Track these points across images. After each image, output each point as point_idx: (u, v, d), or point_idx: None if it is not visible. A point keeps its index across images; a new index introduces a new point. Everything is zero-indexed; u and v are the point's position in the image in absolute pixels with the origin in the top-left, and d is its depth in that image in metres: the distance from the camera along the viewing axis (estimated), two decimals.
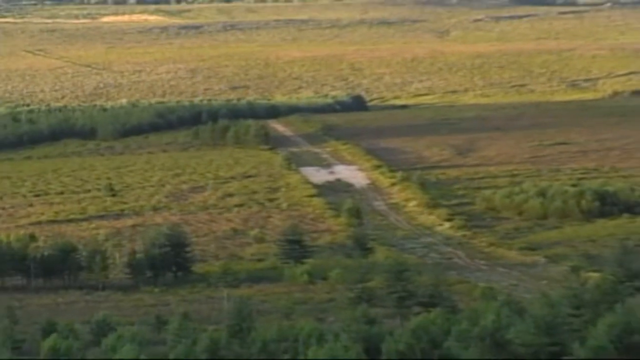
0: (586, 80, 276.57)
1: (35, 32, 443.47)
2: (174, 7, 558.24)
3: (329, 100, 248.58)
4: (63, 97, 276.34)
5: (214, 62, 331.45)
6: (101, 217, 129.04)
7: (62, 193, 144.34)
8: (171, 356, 55.69)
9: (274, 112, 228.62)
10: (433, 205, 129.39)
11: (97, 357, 55.70)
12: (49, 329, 69.73)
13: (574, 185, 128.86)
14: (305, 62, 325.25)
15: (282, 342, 61.07)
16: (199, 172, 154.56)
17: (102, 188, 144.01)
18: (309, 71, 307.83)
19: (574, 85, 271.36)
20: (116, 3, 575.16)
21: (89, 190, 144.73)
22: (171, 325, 71.43)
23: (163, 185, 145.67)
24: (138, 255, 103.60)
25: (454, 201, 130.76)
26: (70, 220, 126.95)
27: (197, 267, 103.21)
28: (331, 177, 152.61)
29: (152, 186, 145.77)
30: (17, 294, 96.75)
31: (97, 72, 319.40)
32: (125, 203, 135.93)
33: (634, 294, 74.91)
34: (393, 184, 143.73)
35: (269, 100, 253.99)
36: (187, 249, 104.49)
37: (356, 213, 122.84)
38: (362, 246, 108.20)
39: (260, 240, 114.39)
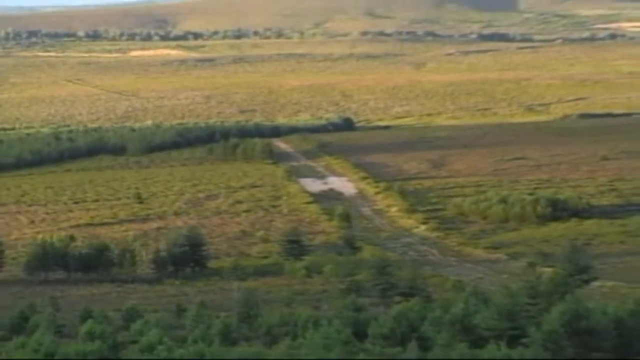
0: (540, 105, 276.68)
1: (74, 65, 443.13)
2: (191, 43, 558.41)
3: (323, 122, 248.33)
4: (98, 119, 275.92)
5: (225, 89, 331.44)
6: (130, 221, 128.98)
7: (97, 200, 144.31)
8: (190, 338, 55.87)
9: (277, 132, 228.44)
10: (411, 211, 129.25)
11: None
12: (85, 316, 69.89)
13: (530, 194, 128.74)
14: (303, 89, 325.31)
15: (284, 327, 61.24)
16: (213, 183, 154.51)
17: (131, 196, 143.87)
18: (306, 97, 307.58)
19: (530, 109, 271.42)
20: (143, 40, 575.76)
21: (119, 198, 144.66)
22: (190, 312, 71.66)
23: (183, 194, 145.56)
24: (162, 253, 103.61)
25: (429, 207, 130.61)
26: (104, 224, 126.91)
27: (212, 263, 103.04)
28: (325, 187, 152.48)
29: (173, 194, 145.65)
30: (59, 286, 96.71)
31: (126, 98, 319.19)
32: (150, 209, 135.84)
33: (582, 285, 75.27)
34: (377, 193, 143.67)
35: (272, 121, 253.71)
36: (203, 247, 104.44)
37: (346, 217, 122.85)
38: (351, 245, 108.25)
39: (265, 240, 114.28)
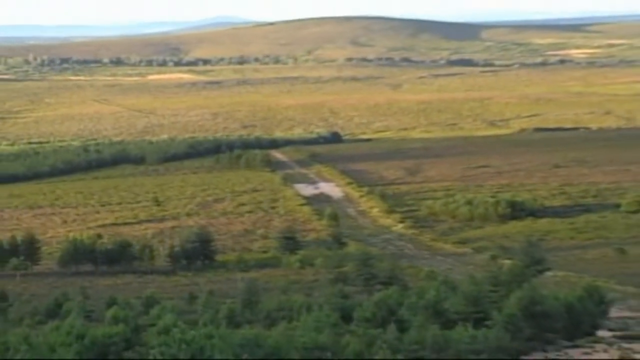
0: (501, 120, 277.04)
1: (100, 87, 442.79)
2: (201, 68, 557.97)
3: (314, 135, 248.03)
4: (121, 134, 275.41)
5: (230, 108, 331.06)
6: (149, 221, 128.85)
7: (120, 203, 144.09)
8: (200, 322, 55.76)
9: (274, 144, 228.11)
10: (390, 211, 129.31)
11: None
12: (111, 303, 69.75)
13: (492, 197, 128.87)
14: (296, 107, 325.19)
15: (281, 311, 61.16)
16: (219, 188, 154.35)
17: (150, 200, 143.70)
18: (299, 114, 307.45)
19: (492, 124, 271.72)
20: (159, 65, 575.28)
21: (139, 201, 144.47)
22: (200, 300, 71.62)
23: (194, 197, 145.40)
24: (176, 249, 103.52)
25: (405, 208, 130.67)
26: (126, 223, 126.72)
27: (219, 257, 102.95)
28: (316, 191, 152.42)
29: (186, 198, 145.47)
30: (88, 277, 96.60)
31: (145, 116, 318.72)
32: (166, 210, 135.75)
33: (537, 275, 75.35)
34: (361, 196, 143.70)
35: (270, 135, 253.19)
36: (212, 243, 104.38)
37: (334, 217, 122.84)
38: (339, 241, 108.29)
39: (264, 237, 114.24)
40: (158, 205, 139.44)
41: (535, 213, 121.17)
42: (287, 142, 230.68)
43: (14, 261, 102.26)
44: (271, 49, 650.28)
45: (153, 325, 54.80)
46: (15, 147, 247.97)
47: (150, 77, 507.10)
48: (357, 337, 47.45)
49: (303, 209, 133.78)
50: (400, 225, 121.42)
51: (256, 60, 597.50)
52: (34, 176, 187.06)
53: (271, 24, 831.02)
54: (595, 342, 53.47)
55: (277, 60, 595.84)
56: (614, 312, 61.24)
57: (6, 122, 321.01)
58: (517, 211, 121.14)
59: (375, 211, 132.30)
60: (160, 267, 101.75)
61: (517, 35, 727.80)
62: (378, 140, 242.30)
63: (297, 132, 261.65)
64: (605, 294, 61.32)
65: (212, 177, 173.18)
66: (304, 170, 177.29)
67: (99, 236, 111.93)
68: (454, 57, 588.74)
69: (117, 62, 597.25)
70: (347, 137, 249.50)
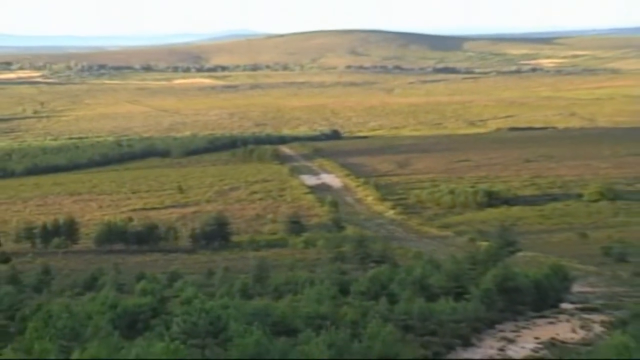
0: (480, 121, 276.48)
1: (132, 90, 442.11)
2: (219, 74, 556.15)
3: (317, 133, 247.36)
4: (149, 131, 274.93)
5: (244, 108, 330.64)
6: (173, 206, 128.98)
7: (148, 191, 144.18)
8: (217, 294, 55.92)
9: (283, 140, 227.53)
10: (383, 199, 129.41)
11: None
12: (140, 277, 69.82)
13: (471, 187, 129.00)
14: (302, 109, 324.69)
15: (287, 285, 61.26)
16: (235, 178, 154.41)
17: (174, 188, 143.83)
18: (304, 114, 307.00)
19: (472, 123, 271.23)
20: (183, 71, 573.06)
21: (165, 190, 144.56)
22: (217, 275, 71.78)
23: (212, 186, 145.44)
24: (196, 231, 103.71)
25: (396, 197, 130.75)
26: (153, 208, 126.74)
27: (234, 238, 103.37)
28: (318, 182, 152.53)
29: (205, 187, 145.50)
30: (120, 255, 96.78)
31: (170, 115, 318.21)
32: (188, 197, 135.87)
33: (509, 255, 75.45)
34: (357, 186, 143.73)
35: (279, 132, 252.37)
36: (227, 226, 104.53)
37: (334, 204, 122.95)
38: (338, 225, 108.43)
39: (273, 221, 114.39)
40: (181, 193, 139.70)
41: (509, 201, 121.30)
42: (294, 139, 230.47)
43: (56, 240, 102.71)
44: (280, 58, 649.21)
45: (176, 296, 55.05)
46: (58, 142, 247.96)
47: (175, 81, 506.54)
48: (353, 308, 47.57)
49: (307, 197, 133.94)
50: (392, 212, 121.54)
51: (267, 67, 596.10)
52: (74, 167, 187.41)
53: (280, 35, 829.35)
54: (559, 313, 53.63)
55: (285, 67, 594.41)
56: (575, 288, 61.39)
57: (51, 120, 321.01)
58: (493, 200, 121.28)
59: (369, 199, 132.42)
60: (182, 246, 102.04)
61: (494, 47, 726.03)
62: (373, 137, 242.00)
63: (303, 130, 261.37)
64: (568, 272, 61.48)
65: (228, 168, 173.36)
66: (308, 163, 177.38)
67: (130, 219, 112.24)
68: (439, 66, 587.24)
69: (147, 69, 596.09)
70: (345, 135, 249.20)
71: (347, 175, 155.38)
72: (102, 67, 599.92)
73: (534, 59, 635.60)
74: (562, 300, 56.80)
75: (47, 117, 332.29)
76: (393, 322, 43.21)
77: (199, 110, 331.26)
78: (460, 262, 62.54)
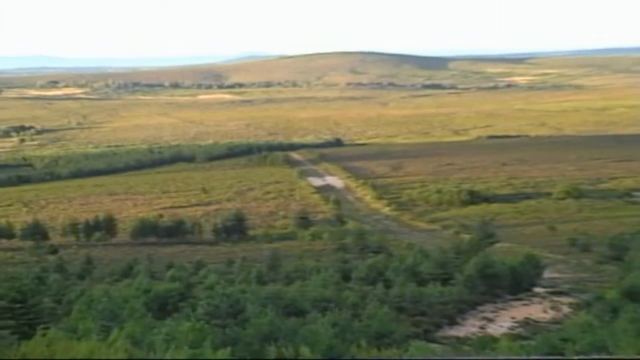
0: (462, 130, 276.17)
1: (162, 104, 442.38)
2: (237, 90, 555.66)
3: (322, 141, 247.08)
4: (177, 139, 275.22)
5: (259, 120, 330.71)
6: (198, 205, 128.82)
7: (176, 191, 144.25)
8: (236, 281, 55.96)
9: (292, 147, 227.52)
10: (379, 198, 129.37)
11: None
12: (169, 266, 69.95)
13: (456, 187, 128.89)
14: (309, 120, 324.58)
15: (297, 272, 61.35)
16: (251, 180, 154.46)
17: (199, 189, 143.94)
18: (311, 125, 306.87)
19: (455, 132, 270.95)
20: (206, 88, 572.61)
21: (191, 190, 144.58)
22: (236, 264, 71.83)
23: (231, 187, 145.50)
24: (218, 225, 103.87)
25: (391, 195, 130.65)
26: (181, 207, 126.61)
27: (250, 232, 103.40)
28: (323, 183, 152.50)
29: (226, 187, 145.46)
30: (152, 246, 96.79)
31: (195, 126, 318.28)
32: (211, 197, 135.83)
33: (488, 246, 75.37)
34: (357, 186, 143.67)
35: (289, 140, 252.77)
36: (245, 222, 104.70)
37: (337, 202, 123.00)
38: (340, 220, 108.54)
39: (284, 217, 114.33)
40: (205, 193, 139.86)
41: (488, 199, 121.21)
42: (302, 146, 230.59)
43: (97, 234, 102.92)
44: (290, 76, 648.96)
45: (201, 282, 55.03)
46: (98, 149, 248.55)
47: (199, 97, 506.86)
48: (354, 292, 47.58)
49: (313, 196, 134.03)
50: (387, 208, 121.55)
51: (279, 84, 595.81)
52: (112, 171, 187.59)
53: (290, 57, 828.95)
54: (532, 296, 53.59)
55: (294, 84, 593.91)
56: (546, 274, 61.30)
57: (92, 130, 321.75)
58: (474, 198, 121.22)
59: (368, 198, 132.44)
60: (206, 239, 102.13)
61: (474, 66, 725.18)
62: (370, 144, 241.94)
63: (309, 138, 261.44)
64: (539, 260, 61.40)
65: (245, 172, 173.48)
66: (314, 167, 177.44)
67: (161, 216, 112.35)
68: (427, 82, 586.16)
69: (175, 86, 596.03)
70: (347, 142, 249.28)
71: (348, 177, 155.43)
72: (135, 84, 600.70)
73: (509, 76, 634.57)
74: (534, 285, 56.74)
75: (89, 128, 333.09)
76: (388, 304, 43.20)
77: (220, 121, 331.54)
78: (447, 251, 62.57)
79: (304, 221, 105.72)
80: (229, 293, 36.46)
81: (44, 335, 13.91)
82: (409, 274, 54.82)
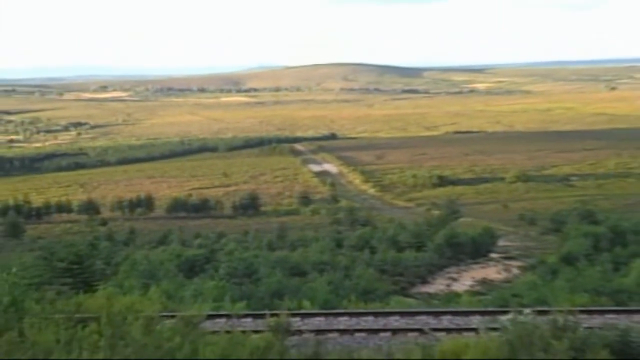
0: (434, 126, 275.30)
1: (191, 105, 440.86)
2: (252, 94, 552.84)
3: (320, 135, 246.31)
4: (203, 133, 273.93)
5: (270, 118, 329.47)
6: (220, 186, 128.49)
7: (203, 176, 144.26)
8: (251, 247, 55.97)
9: (296, 140, 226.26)
10: (366, 181, 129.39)
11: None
12: (197, 235, 69.78)
13: (428, 173, 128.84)
14: (310, 118, 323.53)
15: (299, 241, 61.39)
16: (263, 167, 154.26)
17: (221, 174, 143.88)
18: (311, 122, 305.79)
19: (428, 128, 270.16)
20: (226, 92, 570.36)
21: (214, 174, 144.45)
22: (250, 234, 71.89)
23: (247, 172, 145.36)
24: (236, 203, 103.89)
25: (376, 179, 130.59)
26: (206, 188, 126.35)
27: (262, 208, 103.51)
28: (321, 169, 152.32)
29: (242, 172, 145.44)
30: (183, 220, 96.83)
31: (218, 123, 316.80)
32: (230, 180, 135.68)
33: (454, 220, 75.42)
34: (349, 172, 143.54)
35: (294, 134, 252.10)
36: (258, 200, 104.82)
37: (332, 185, 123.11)
38: (335, 199, 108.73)
39: (290, 196, 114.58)
40: (225, 177, 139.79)
41: (454, 183, 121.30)
42: (304, 139, 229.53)
43: (138, 210, 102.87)
44: (294, 82, 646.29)
45: (222, 249, 55.15)
46: (139, 141, 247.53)
47: (221, 99, 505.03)
48: (345, 256, 47.60)
49: (313, 179, 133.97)
50: (372, 190, 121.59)
51: (285, 89, 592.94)
52: (150, 159, 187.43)
53: (294, 67, 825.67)
54: (489, 260, 53.62)
55: (298, 89, 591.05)
56: (500, 242, 61.35)
57: (135, 126, 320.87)
58: (443, 181, 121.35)
59: (357, 181, 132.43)
60: (226, 214, 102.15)
61: (444, 75, 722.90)
62: (359, 138, 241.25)
63: (310, 133, 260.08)
64: (495, 232, 61.46)
65: (258, 160, 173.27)
66: (314, 156, 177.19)
67: (190, 195, 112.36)
68: (406, 88, 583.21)
69: (202, 90, 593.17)
70: (340, 136, 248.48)
71: (342, 164, 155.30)
72: (169, 89, 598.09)
73: (471, 83, 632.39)
74: (491, 251, 56.80)
75: (132, 124, 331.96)
76: (373, 266, 43.28)
77: (238, 119, 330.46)
78: (420, 225, 62.64)
79: (306, 200, 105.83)
80: (245, 257, 36.53)
81: (104, 289, 14.11)
82: (390, 242, 54.93)
